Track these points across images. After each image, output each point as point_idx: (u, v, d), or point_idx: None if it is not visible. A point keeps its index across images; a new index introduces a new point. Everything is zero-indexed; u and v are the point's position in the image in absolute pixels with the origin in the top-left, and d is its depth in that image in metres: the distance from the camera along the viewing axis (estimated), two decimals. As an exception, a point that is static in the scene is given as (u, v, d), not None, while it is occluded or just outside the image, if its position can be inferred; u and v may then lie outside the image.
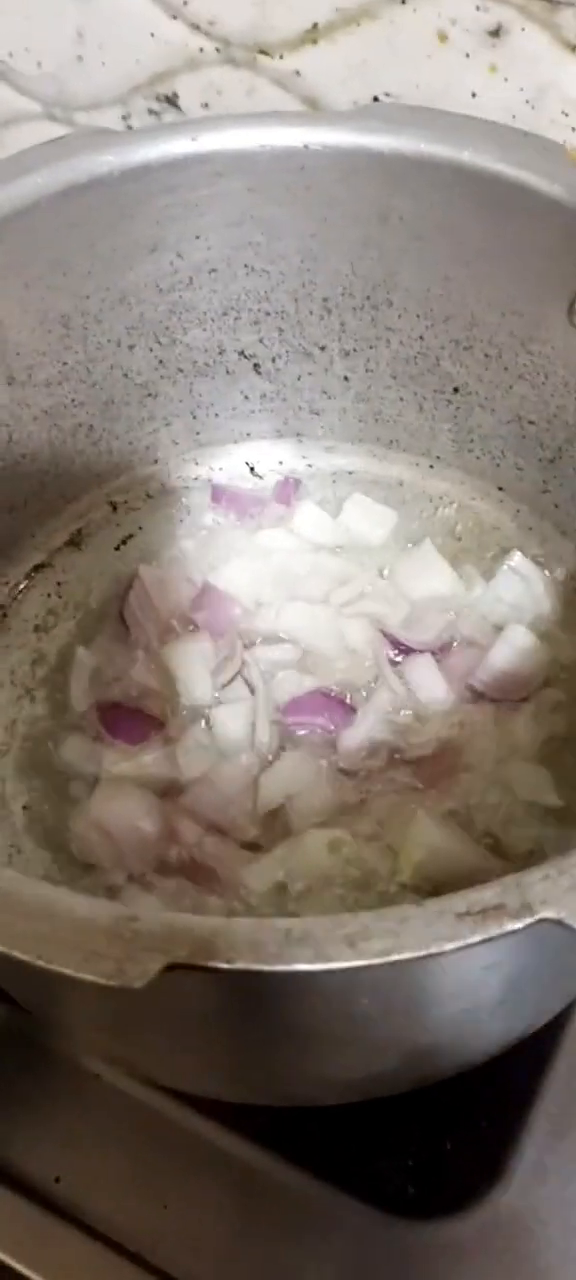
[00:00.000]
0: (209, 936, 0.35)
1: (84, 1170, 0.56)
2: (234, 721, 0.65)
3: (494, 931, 0.35)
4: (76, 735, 0.66)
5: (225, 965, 0.35)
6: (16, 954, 0.35)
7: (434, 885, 0.58)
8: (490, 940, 0.35)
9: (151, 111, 0.81)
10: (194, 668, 0.67)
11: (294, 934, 0.35)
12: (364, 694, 0.66)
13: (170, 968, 0.34)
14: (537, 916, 0.35)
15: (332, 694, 0.66)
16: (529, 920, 0.35)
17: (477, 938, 0.35)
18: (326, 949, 0.35)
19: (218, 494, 0.77)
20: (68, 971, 0.34)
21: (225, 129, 0.62)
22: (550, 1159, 0.56)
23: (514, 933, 0.35)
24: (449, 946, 0.35)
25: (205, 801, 0.61)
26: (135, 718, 0.66)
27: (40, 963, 0.34)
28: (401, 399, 0.74)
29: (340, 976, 0.35)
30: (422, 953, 0.35)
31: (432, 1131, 0.57)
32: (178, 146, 0.61)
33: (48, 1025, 0.56)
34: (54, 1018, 0.54)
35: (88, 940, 0.35)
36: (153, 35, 0.77)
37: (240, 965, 0.35)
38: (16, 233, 0.60)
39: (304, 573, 0.72)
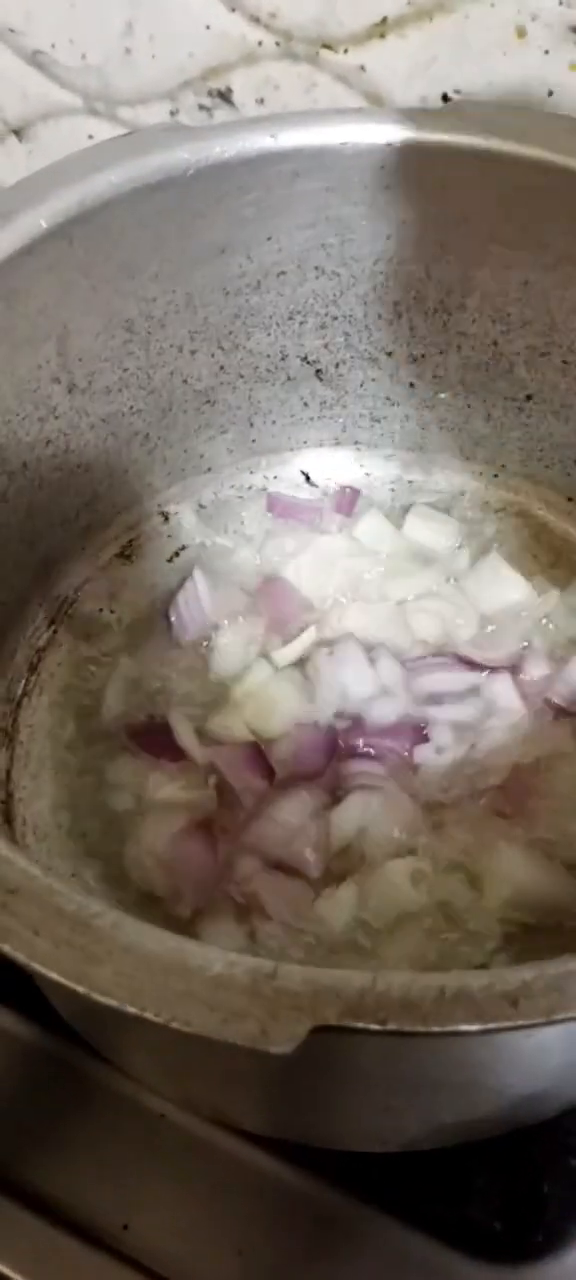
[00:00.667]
0: (357, 996, 0.32)
1: (153, 1216, 0.53)
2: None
3: None
4: (121, 754, 0.63)
5: (377, 1027, 0.32)
6: (149, 1015, 0.32)
7: (524, 919, 0.55)
8: None
9: (202, 107, 0.79)
10: (235, 642, 0.66)
11: (448, 992, 0.32)
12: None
13: (317, 1029, 0.32)
14: None
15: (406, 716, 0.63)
16: None
17: None
18: (486, 1009, 0.32)
19: (273, 502, 0.74)
20: (209, 1034, 0.31)
21: (305, 126, 0.59)
22: None
23: None
24: (620, 1003, 0.32)
25: (268, 837, 0.59)
26: (171, 732, 0.63)
27: (177, 1025, 0.32)
28: (469, 406, 0.71)
29: (498, 1036, 0.33)
30: (591, 1011, 0.32)
31: (524, 1171, 0.54)
32: (256, 143, 0.59)
33: (116, 1061, 0.53)
34: (127, 1056, 0.51)
35: (227, 999, 0.32)
36: (208, 27, 0.74)
37: (393, 1027, 0.32)
38: (88, 233, 0.57)
39: (369, 576, 0.70)
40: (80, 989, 0.32)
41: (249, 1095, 0.46)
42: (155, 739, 0.63)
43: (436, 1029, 0.32)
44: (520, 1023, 0.32)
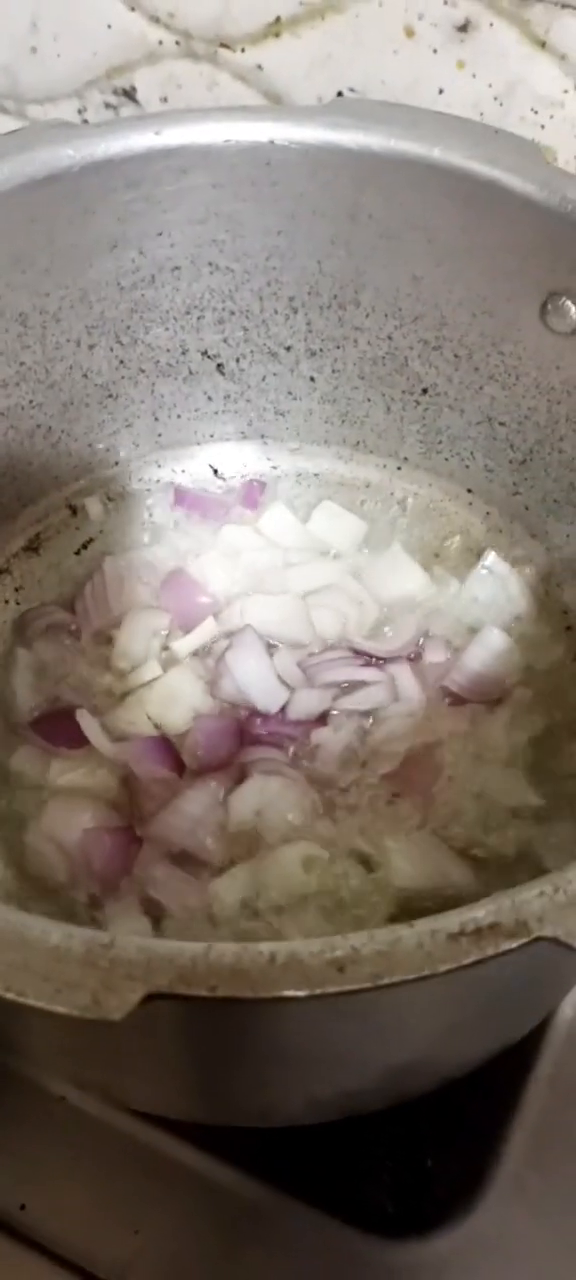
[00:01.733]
0: (190, 964, 0.33)
1: (51, 1196, 0.54)
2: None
3: (490, 951, 0.33)
4: (23, 744, 0.64)
5: (207, 994, 0.33)
6: (-15, 987, 0.33)
7: (414, 902, 0.57)
8: (483, 961, 0.34)
9: (108, 105, 0.79)
10: (137, 634, 0.67)
11: (279, 959, 0.33)
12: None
13: (149, 997, 0.33)
14: (534, 935, 0.33)
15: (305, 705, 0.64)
16: (525, 939, 0.33)
17: (472, 958, 0.33)
18: (313, 975, 0.33)
19: (180, 496, 0.75)
20: (40, 1004, 0.32)
21: (190, 123, 0.60)
22: (528, 1173, 0.55)
23: (509, 952, 0.33)
24: (443, 968, 0.33)
25: (172, 827, 0.59)
26: (74, 720, 0.63)
27: (10, 995, 0.32)
28: (369, 400, 0.72)
29: (327, 1002, 0.34)
30: (414, 976, 0.33)
31: (413, 1149, 0.56)
32: (141, 140, 0.59)
33: (15, 1052, 0.54)
34: (21, 1045, 0.52)
35: (62, 970, 0.33)
36: (110, 26, 0.75)
37: (223, 993, 0.33)
38: (-26, 227, 0.57)
39: (272, 569, 0.71)
40: None
41: (124, 1071, 0.47)
42: (57, 727, 0.64)
43: (264, 994, 0.33)
44: (345, 988, 0.33)
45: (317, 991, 0.33)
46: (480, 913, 0.34)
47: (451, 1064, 0.50)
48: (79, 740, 0.63)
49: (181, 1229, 0.54)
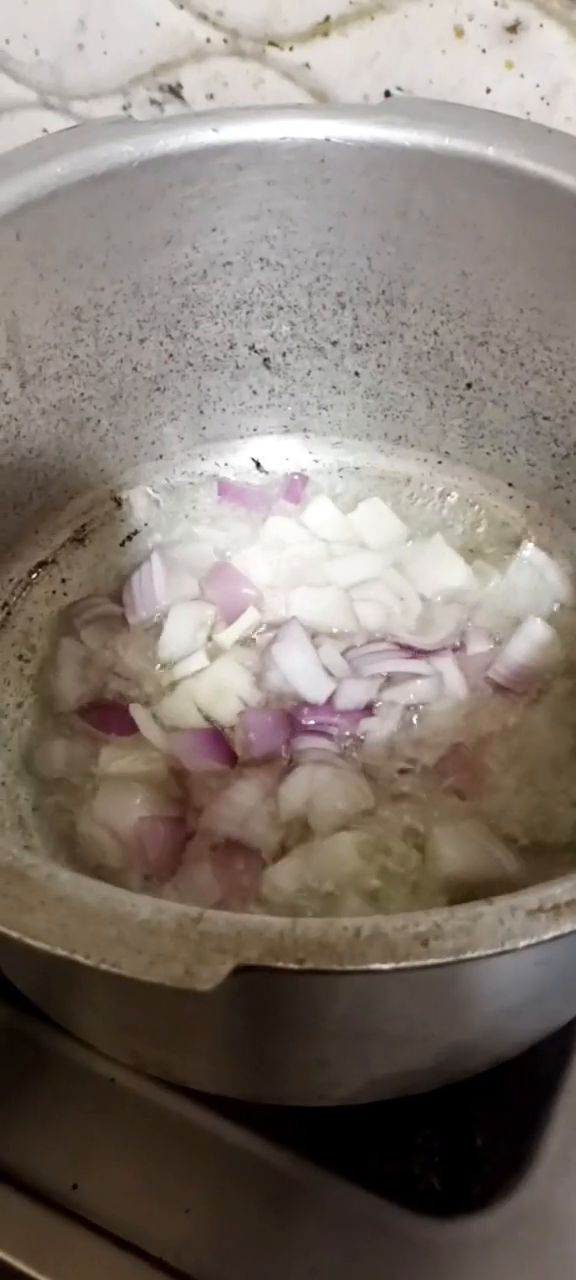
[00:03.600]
0: (278, 937, 0.34)
1: (102, 1176, 0.55)
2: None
3: (567, 928, 0.34)
4: (72, 733, 0.65)
5: (295, 966, 0.34)
6: (79, 958, 0.34)
7: (463, 889, 0.57)
8: (561, 937, 0.35)
9: (153, 102, 0.80)
10: (183, 625, 0.68)
11: (364, 933, 0.35)
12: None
13: (239, 969, 0.34)
14: (611, 912, 0.35)
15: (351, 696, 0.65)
16: (602, 916, 0.34)
17: (551, 933, 0.34)
18: (399, 948, 0.34)
19: (224, 489, 0.76)
20: (137, 975, 0.33)
21: (246, 120, 0.61)
22: (573, 1152, 0.56)
23: (587, 929, 0.34)
24: (522, 943, 0.34)
25: (224, 818, 0.60)
26: (123, 708, 0.65)
27: (106, 967, 0.33)
28: (412, 394, 0.73)
29: (409, 976, 0.35)
30: (495, 950, 0.34)
31: (460, 1127, 0.56)
32: (199, 137, 0.61)
33: (67, 1024, 0.55)
34: (77, 1017, 0.53)
35: (155, 943, 0.34)
36: (158, 24, 0.76)
37: (310, 965, 0.34)
38: (34, 223, 0.59)
39: (315, 562, 0.72)
40: (14, 934, 0.34)
41: (191, 1049, 0.48)
42: (106, 715, 0.65)
43: (351, 967, 0.34)
44: (430, 961, 0.34)
45: (403, 965, 0.34)
46: (557, 889, 0.35)
47: (507, 1044, 0.51)
48: (129, 728, 0.64)
49: (231, 1208, 0.54)
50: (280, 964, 0.34)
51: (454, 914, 0.35)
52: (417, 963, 0.34)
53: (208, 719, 0.65)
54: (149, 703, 0.65)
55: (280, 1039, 0.43)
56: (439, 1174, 0.56)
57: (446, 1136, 0.57)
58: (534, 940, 0.34)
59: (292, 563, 0.72)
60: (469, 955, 0.34)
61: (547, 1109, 0.57)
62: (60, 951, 0.33)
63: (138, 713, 0.64)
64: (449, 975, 0.38)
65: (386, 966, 0.34)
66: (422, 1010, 0.42)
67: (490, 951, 0.34)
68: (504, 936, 0.34)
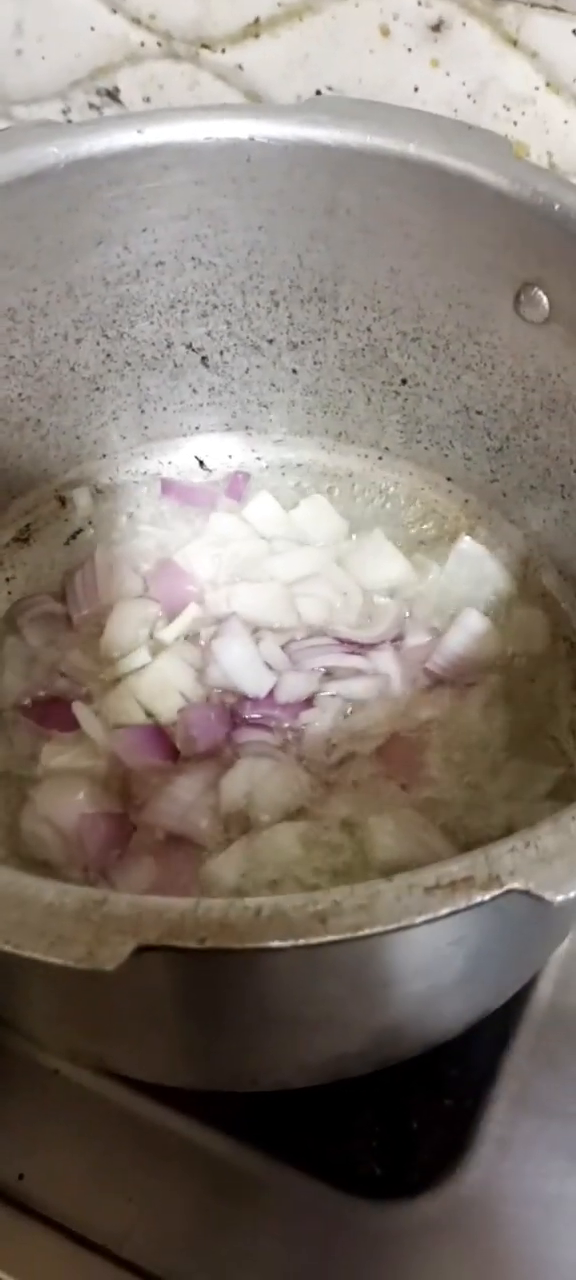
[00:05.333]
0: (179, 918, 0.35)
1: (47, 1166, 0.55)
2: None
3: (462, 903, 0.35)
4: (14, 730, 0.65)
5: (195, 945, 0.35)
6: (-16, 943, 0.34)
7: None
8: (458, 912, 0.35)
9: (92, 105, 0.81)
10: (126, 622, 0.68)
11: (264, 912, 0.35)
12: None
13: (140, 949, 0.34)
14: (505, 888, 0.35)
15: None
16: (497, 891, 0.35)
17: (446, 909, 0.35)
18: (297, 926, 0.35)
19: (167, 487, 0.77)
20: (37, 956, 0.34)
21: (171, 121, 0.62)
22: (512, 1134, 0.57)
23: (482, 904, 0.35)
24: (419, 919, 0.35)
25: (165, 813, 0.61)
26: (65, 705, 0.65)
27: (9, 948, 0.34)
28: (350, 391, 0.74)
29: (311, 954, 0.35)
30: (393, 926, 0.35)
31: (398, 1112, 0.57)
32: (123, 139, 0.61)
33: (12, 1024, 0.55)
34: (17, 1011, 0.53)
35: (57, 925, 0.35)
36: (93, 29, 0.77)
37: (211, 944, 0.35)
38: (-38, 225, 0.59)
39: (257, 557, 0.72)
40: None
41: (117, 1038, 0.48)
42: (48, 712, 0.65)
43: (250, 945, 0.34)
44: (327, 938, 0.35)
45: (301, 942, 0.35)
46: (454, 867, 0.36)
47: (435, 1028, 0.51)
48: (70, 724, 0.64)
49: (175, 1197, 0.55)
50: (180, 943, 0.34)
51: (353, 891, 0.36)
52: (315, 940, 0.35)
53: (150, 715, 0.65)
54: (91, 699, 0.66)
55: (199, 1024, 0.44)
56: (378, 1159, 0.56)
57: (385, 1122, 0.57)
58: (429, 916, 0.35)
59: (234, 559, 0.73)
60: (366, 932, 0.35)
61: (485, 1094, 0.57)
62: (-39, 937, 0.34)
63: (80, 709, 0.64)
64: (358, 954, 0.38)
65: (285, 944, 0.35)
66: (337, 991, 0.42)
67: (388, 928, 0.35)
68: (400, 913, 0.35)
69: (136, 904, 0.35)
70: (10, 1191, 0.55)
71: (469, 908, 0.35)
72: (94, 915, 0.35)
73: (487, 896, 0.35)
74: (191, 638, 0.69)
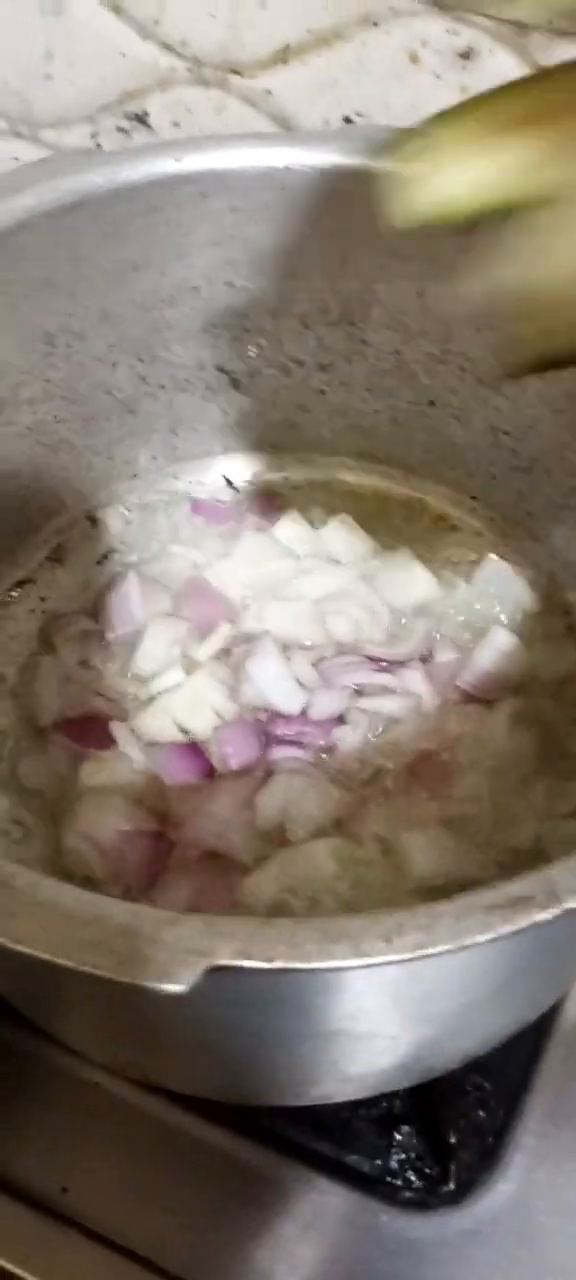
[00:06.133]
0: (248, 937, 0.36)
1: (90, 1179, 0.56)
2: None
3: (523, 923, 0.36)
4: (53, 748, 0.66)
5: (265, 965, 0.36)
6: (59, 960, 0.35)
7: (434, 892, 0.59)
8: (520, 932, 0.36)
9: (120, 129, 0.82)
10: (159, 641, 0.69)
11: (330, 932, 0.36)
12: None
13: (213, 969, 0.35)
14: (564, 906, 0.36)
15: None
16: (557, 910, 0.36)
17: (508, 929, 0.36)
18: (363, 945, 0.36)
19: (197, 507, 0.78)
20: (112, 976, 0.35)
21: (209, 149, 0.63)
22: (546, 1144, 0.58)
23: (542, 923, 0.36)
24: (480, 939, 0.36)
25: (202, 829, 0.62)
26: (102, 723, 0.66)
27: (86, 968, 0.35)
28: (377, 411, 0.75)
29: (369, 971, 0.36)
30: (454, 946, 0.36)
31: (434, 1125, 0.58)
32: (163, 167, 0.62)
33: (55, 1032, 0.56)
34: (62, 1024, 0.54)
35: (131, 945, 0.36)
36: (123, 55, 0.78)
37: (280, 965, 0.36)
38: (5, 253, 0.60)
39: (286, 576, 0.73)
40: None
41: (167, 1052, 0.49)
42: (84, 730, 0.66)
43: (318, 965, 0.35)
44: (391, 958, 0.36)
45: (366, 961, 0.36)
46: (514, 888, 0.37)
47: (476, 1040, 0.52)
48: (107, 742, 0.65)
49: (214, 1208, 0.56)
50: (251, 963, 0.35)
51: (415, 913, 0.37)
52: (381, 959, 0.36)
53: (184, 732, 0.66)
54: (127, 717, 0.66)
55: (254, 1039, 0.45)
56: (416, 1171, 0.57)
57: (422, 1134, 0.58)
58: (491, 936, 0.36)
59: (265, 578, 0.73)
60: (428, 951, 0.36)
61: (519, 1105, 0.58)
62: (41, 955, 0.35)
63: (118, 728, 0.66)
64: (411, 971, 0.39)
65: (353, 963, 0.36)
66: (388, 1007, 0.43)
67: (449, 947, 0.36)
68: (462, 933, 0.36)
69: (208, 924, 0.36)
70: (53, 1205, 0.56)
71: (529, 927, 0.36)
72: (167, 935, 0.36)
73: (548, 916, 0.36)
74: (224, 656, 0.70)
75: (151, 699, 0.67)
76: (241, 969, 0.35)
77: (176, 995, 0.35)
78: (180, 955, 0.35)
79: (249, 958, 0.35)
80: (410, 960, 0.36)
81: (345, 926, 0.36)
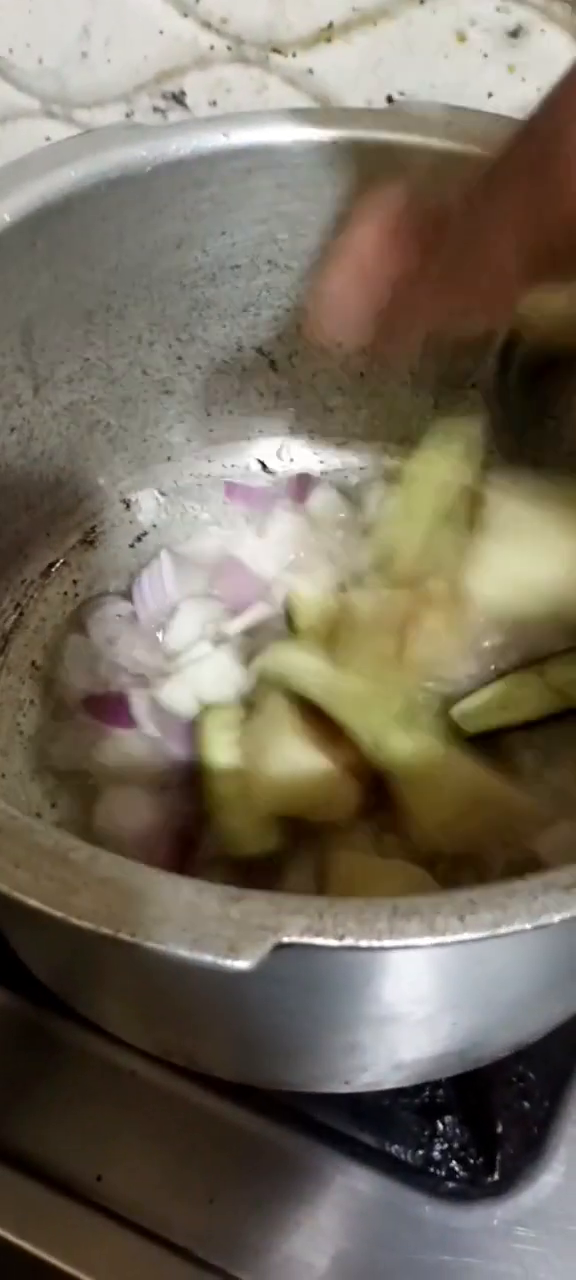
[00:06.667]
0: (317, 914, 0.35)
1: (126, 1168, 0.56)
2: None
3: (601, 902, 0.35)
4: (79, 726, 0.65)
5: (335, 943, 0.35)
6: (124, 936, 0.34)
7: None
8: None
9: (156, 109, 0.81)
10: (191, 621, 0.69)
11: (401, 909, 0.35)
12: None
13: (281, 946, 0.34)
14: None
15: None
16: None
17: (587, 908, 0.35)
18: (436, 922, 0.35)
19: (231, 490, 0.77)
20: (181, 953, 0.34)
21: (257, 125, 0.62)
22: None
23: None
24: (557, 918, 0.35)
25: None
26: (126, 701, 0.65)
27: (151, 944, 0.34)
28: (416, 396, 0.74)
29: (433, 953, 0.36)
30: (530, 925, 0.35)
31: (479, 1115, 0.57)
32: (210, 141, 0.62)
33: (96, 1016, 0.56)
34: (106, 1008, 0.54)
35: (198, 922, 0.35)
36: (162, 32, 0.77)
37: (350, 942, 0.35)
38: (50, 227, 0.59)
39: (318, 551, 0.73)
40: (59, 915, 0.34)
41: (220, 1036, 0.49)
42: (108, 707, 0.65)
43: (389, 943, 0.35)
44: (466, 936, 0.35)
45: (439, 940, 0.35)
46: (591, 867, 0.36)
47: (530, 1028, 0.52)
48: (128, 720, 0.64)
49: (254, 1197, 0.55)
50: (321, 940, 0.35)
51: (489, 890, 0.36)
52: (455, 937, 0.35)
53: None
54: (153, 695, 0.65)
55: (314, 1023, 0.44)
56: (460, 1161, 0.57)
57: (466, 1124, 0.57)
58: (568, 915, 0.35)
59: (297, 554, 0.73)
60: (505, 930, 0.35)
61: (563, 1095, 0.58)
62: (106, 931, 0.34)
63: (138, 702, 0.65)
64: (480, 953, 0.38)
65: (424, 941, 0.35)
66: (452, 990, 0.43)
67: (526, 926, 0.35)
68: (539, 911, 0.35)
69: (275, 901, 0.35)
70: (89, 1193, 0.55)
71: (608, 908, 0.35)
72: (233, 912, 0.35)
73: (628, 896, 0.35)
74: (254, 633, 0.69)
75: (175, 674, 0.66)
76: (310, 946, 0.35)
77: (243, 973, 0.34)
78: (249, 932, 0.34)
79: (319, 934, 0.35)
80: (485, 939, 0.35)
81: (417, 904, 0.35)
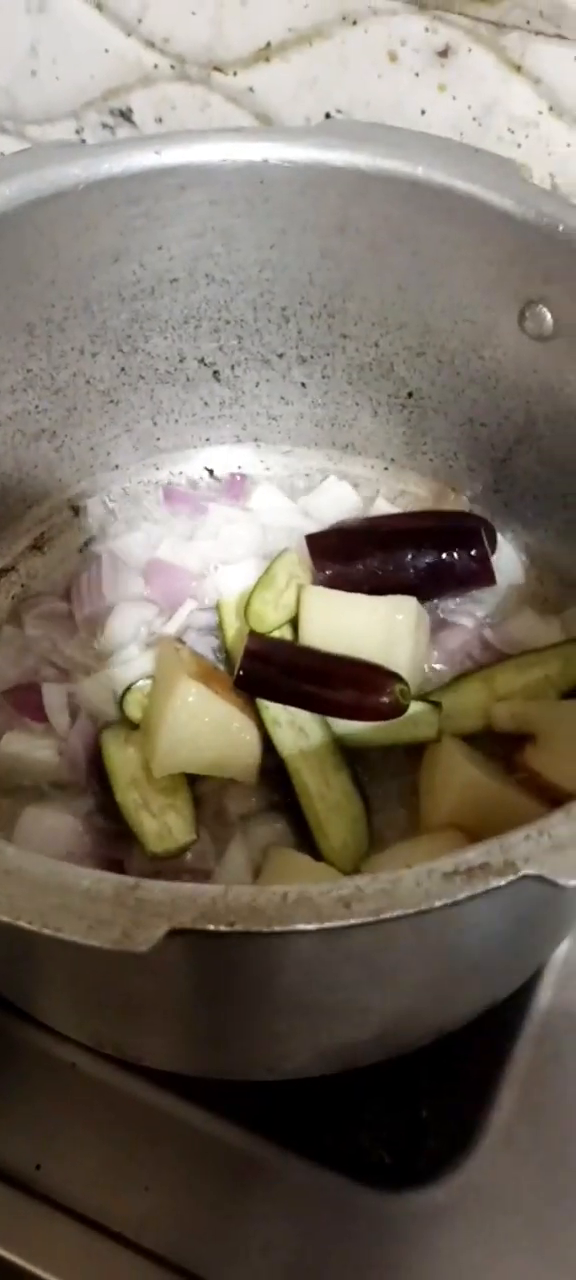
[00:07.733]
0: (210, 902, 0.37)
1: (65, 1157, 0.57)
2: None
3: (480, 888, 0.37)
4: (2, 716, 0.67)
5: (226, 928, 0.36)
6: (24, 924, 0.36)
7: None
8: (476, 897, 0.37)
9: (105, 125, 0.83)
10: (126, 622, 0.70)
11: (290, 898, 0.37)
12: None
13: (173, 932, 0.36)
14: (521, 873, 0.37)
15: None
16: (512, 876, 0.37)
17: (465, 894, 0.37)
18: (323, 910, 0.37)
19: (169, 494, 0.78)
20: (76, 939, 0.36)
21: (188, 143, 0.64)
22: (517, 1125, 0.58)
23: (498, 889, 0.37)
24: (438, 904, 0.37)
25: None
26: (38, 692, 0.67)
27: (48, 931, 0.36)
28: (357, 404, 0.76)
29: (333, 938, 0.37)
30: (413, 910, 0.37)
31: (407, 1103, 0.58)
32: (142, 160, 0.63)
33: (31, 1008, 0.57)
34: (38, 999, 0.55)
35: (94, 909, 0.36)
36: (107, 51, 0.79)
37: (240, 928, 0.36)
38: (-15, 242, 0.61)
39: (248, 542, 0.75)
40: (-37, 907, 0.36)
41: (141, 1024, 0.50)
42: (26, 698, 0.67)
43: (278, 929, 0.36)
44: (351, 921, 0.36)
45: (326, 925, 0.36)
46: (471, 854, 0.38)
47: (446, 1015, 0.53)
48: (40, 713, 0.66)
49: (189, 1185, 0.56)
50: (212, 926, 0.36)
51: (375, 879, 0.37)
52: (340, 923, 0.36)
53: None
54: (69, 690, 0.67)
55: (222, 1009, 0.45)
56: (388, 1148, 0.58)
57: (394, 1110, 0.58)
58: (449, 901, 0.37)
59: (225, 547, 0.75)
60: (387, 915, 0.36)
61: (493, 1082, 0.59)
62: (5, 919, 0.35)
63: (49, 694, 0.66)
64: (377, 939, 0.40)
65: (311, 927, 0.36)
66: (357, 978, 0.44)
67: (407, 911, 0.37)
68: (420, 898, 0.37)
69: (169, 889, 0.37)
70: (28, 1182, 0.56)
71: (486, 892, 0.37)
72: (129, 899, 0.37)
73: (503, 882, 0.37)
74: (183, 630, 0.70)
75: (100, 670, 0.68)
76: (202, 933, 0.36)
77: (138, 957, 0.36)
78: (142, 919, 0.36)
79: (209, 921, 0.36)
80: (368, 925, 0.36)
81: (304, 891, 0.37)
